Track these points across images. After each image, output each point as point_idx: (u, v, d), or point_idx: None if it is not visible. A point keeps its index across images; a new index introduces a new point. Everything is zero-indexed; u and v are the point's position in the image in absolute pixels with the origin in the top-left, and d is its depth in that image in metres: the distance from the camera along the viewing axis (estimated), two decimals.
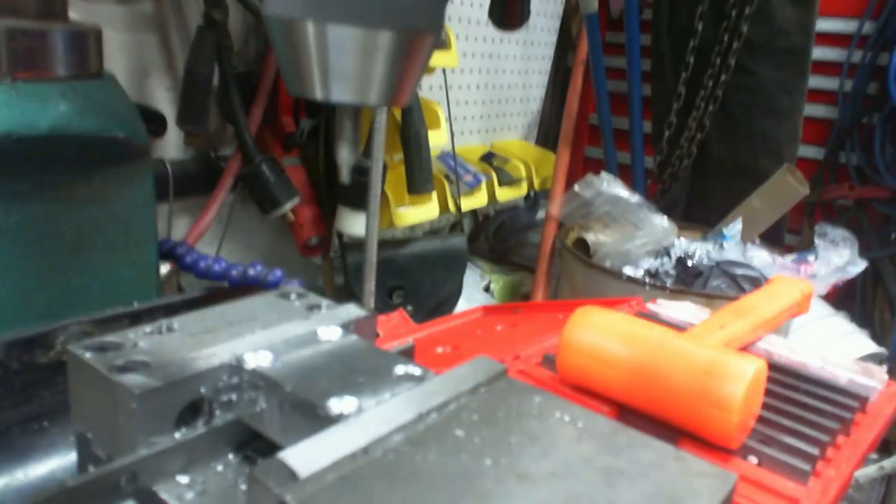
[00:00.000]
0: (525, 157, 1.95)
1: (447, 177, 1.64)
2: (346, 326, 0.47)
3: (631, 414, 0.49)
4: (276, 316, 0.47)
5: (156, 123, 1.17)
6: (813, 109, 1.99)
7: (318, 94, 0.37)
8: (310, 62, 0.36)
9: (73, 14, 0.70)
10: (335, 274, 1.52)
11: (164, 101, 1.21)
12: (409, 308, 1.41)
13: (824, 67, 1.99)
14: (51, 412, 0.50)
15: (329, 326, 0.46)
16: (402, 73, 0.37)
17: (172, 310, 0.59)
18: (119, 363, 0.39)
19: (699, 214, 1.79)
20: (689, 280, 1.39)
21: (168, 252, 0.99)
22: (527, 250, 2.00)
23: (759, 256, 1.49)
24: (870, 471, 0.54)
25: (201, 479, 0.39)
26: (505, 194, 1.81)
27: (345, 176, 0.39)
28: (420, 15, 0.36)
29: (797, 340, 0.62)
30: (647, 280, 1.36)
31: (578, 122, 1.91)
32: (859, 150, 2.00)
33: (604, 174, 1.54)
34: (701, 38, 1.69)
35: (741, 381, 0.44)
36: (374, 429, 0.34)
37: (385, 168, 1.25)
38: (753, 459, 0.46)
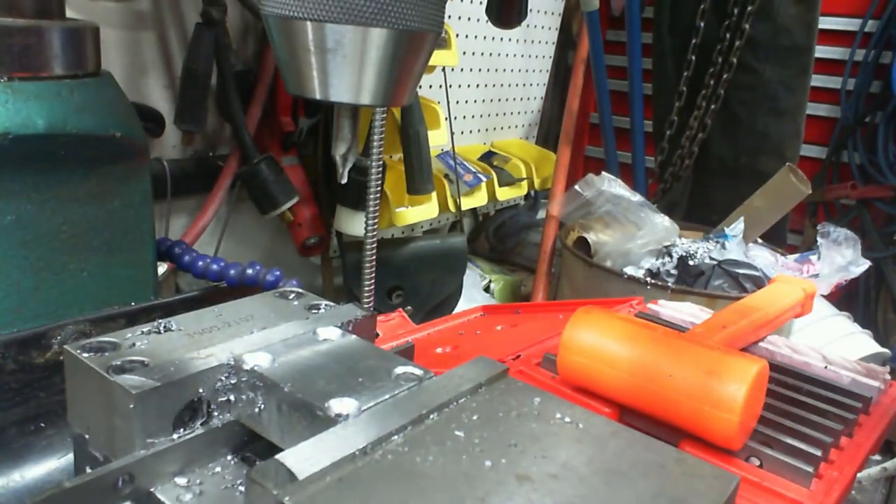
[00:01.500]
0: (525, 156, 1.95)
1: (447, 176, 1.63)
2: (346, 327, 0.46)
3: (632, 415, 0.49)
4: (274, 316, 0.46)
5: (153, 122, 1.17)
6: (815, 108, 1.98)
7: (317, 94, 0.37)
8: (308, 61, 0.35)
9: (71, 12, 0.70)
10: (334, 274, 1.51)
11: (162, 100, 1.21)
12: (409, 308, 1.41)
13: (827, 66, 1.99)
14: (47, 413, 0.49)
15: (328, 327, 0.45)
16: (401, 72, 0.37)
17: (170, 309, 0.59)
18: (116, 363, 0.38)
19: (701, 214, 1.78)
20: (691, 280, 1.38)
21: (166, 251, 0.99)
22: (527, 250, 1.99)
23: (762, 256, 1.49)
24: (873, 472, 0.53)
25: (199, 480, 0.39)
26: (505, 194, 1.81)
27: (342, 176, 0.39)
28: (420, 14, 0.36)
29: (799, 340, 0.62)
30: (649, 280, 1.36)
31: (579, 120, 1.91)
32: (862, 148, 1.99)
33: (605, 173, 1.53)
34: (703, 37, 1.68)
35: (743, 382, 0.43)
36: (374, 430, 0.34)
37: (384, 167, 1.25)
38: (755, 461, 0.45)
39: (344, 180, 0.40)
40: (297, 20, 0.34)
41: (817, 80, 1.88)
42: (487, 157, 1.87)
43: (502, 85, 2.03)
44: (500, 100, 2.04)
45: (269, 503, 0.30)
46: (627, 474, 0.33)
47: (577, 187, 1.53)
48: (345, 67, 0.35)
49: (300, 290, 0.51)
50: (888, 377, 0.57)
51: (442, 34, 1.54)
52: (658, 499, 0.32)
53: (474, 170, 1.69)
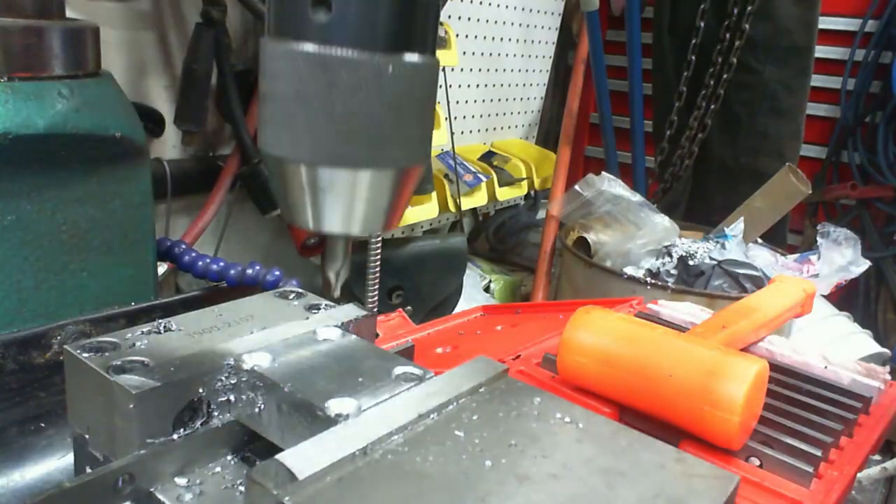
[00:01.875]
0: (525, 156, 1.95)
1: (447, 176, 1.63)
2: (346, 327, 0.46)
3: (632, 415, 0.49)
4: (274, 316, 0.47)
5: (153, 122, 1.17)
6: (815, 108, 1.98)
7: (310, 225, 0.38)
8: (301, 197, 0.37)
9: (71, 12, 0.70)
10: None
11: (162, 100, 1.21)
12: (409, 308, 1.41)
13: (827, 66, 1.99)
14: (48, 413, 0.49)
15: (328, 327, 0.45)
16: (392, 204, 0.38)
17: (170, 309, 0.59)
18: (116, 363, 0.38)
19: (701, 214, 1.78)
20: (691, 280, 1.38)
21: (166, 252, 0.99)
22: (527, 250, 1.99)
23: (762, 256, 1.49)
24: (872, 472, 0.54)
25: (199, 480, 0.39)
26: (505, 194, 1.81)
27: (335, 290, 0.41)
28: (408, 153, 0.37)
29: (799, 340, 0.62)
30: (649, 280, 1.36)
31: (579, 120, 1.91)
32: (862, 149, 1.99)
33: (605, 173, 1.53)
34: (703, 37, 1.68)
35: (743, 382, 0.43)
36: (374, 430, 0.34)
37: None
38: (755, 461, 0.45)
39: (337, 293, 0.42)
40: (289, 162, 0.36)
41: (817, 80, 1.88)
42: (487, 157, 1.87)
43: (502, 85, 2.03)
44: (500, 100, 2.04)
45: (269, 503, 0.30)
46: (627, 474, 0.33)
47: (577, 187, 1.54)
48: (337, 204, 0.37)
49: (300, 290, 0.51)
50: (888, 377, 0.57)
51: (442, 34, 1.54)
52: (658, 498, 0.32)
53: (474, 170, 1.69)
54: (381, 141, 0.35)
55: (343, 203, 0.37)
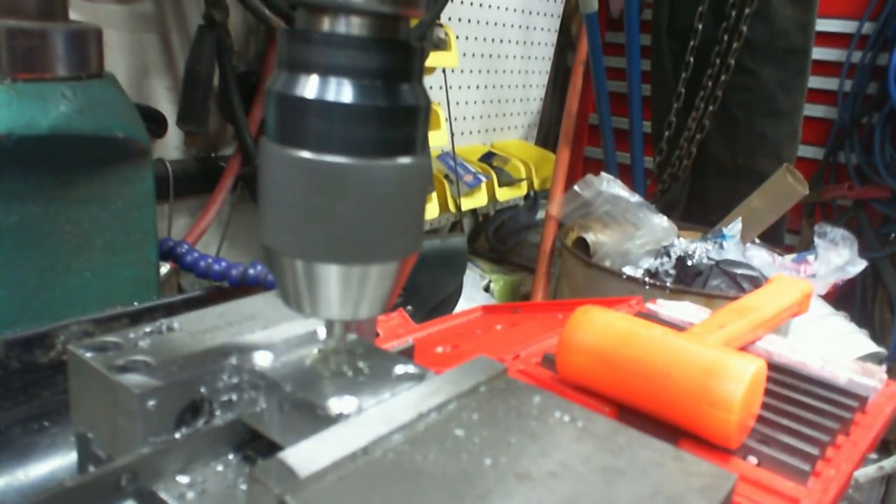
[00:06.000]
0: (525, 157, 1.95)
1: (447, 177, 1.64)
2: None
3: (630, 414, 0.49)
4: (276, 316, 0.47)
5: (156, 123, 1.17)
6: (812, 109, 1.99)
7: (307, 313, 0.40)
8: (299, 288, 0.39)
9: (74, 14, 0.70)
10: None
11: (165, 101, 1.21)
12: (409, 308, 1.41)
13: (824, 67, 1.99)
14: (51, 412, 0.50)
15: None
16: (388, 290, 0.40)
17: (172, 309, 0.59)
18: (119, 363, 0.39)
19: (699, 214, 1.79)
20: (689, 280, 1.39)
21: (168, 252, 0.99)
22: (527, 250, 2.00)
23: (759, 256, 1.49)
24: (869, 471, 0.54)
25: (201, 478, 0.39)
26: (505, 194, 1.81)
27: (335, 368, 0.43)
28: (399, 245, 0.38)
29: (797, 340, 0.62)
30: (647, 280, 1.36)
31: (578, 122, 1.91)
32: (859, 150, 2.00)
33: (604, 174, 1.54)
34: (701, 38, 1.69)
35: (741, 381, 0.44)
36: (374, 429, 0.35)
37: None
38: (753, 459, 0.46)
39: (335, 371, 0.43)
40: (287, 256, 0.38)
41: (814, 82, 1.89)
42: (487, 157, 1.88)
43: (502, 86, 2.04)
44: (499, 101, 2.05)
45: (270, 501, 0.30)
46: (626, 472, 0.34)
47: (576, 188, 1.54)
48: (332, 295, 0.38)
49: None
50: (885, 376, 0.58)
51: (442, 35, 1.54)
52: (656, 496, 0.32)
53: (474, 170, 1.70)
54: (373, 238, 0.37)
55: (338, 294, 0.38)
